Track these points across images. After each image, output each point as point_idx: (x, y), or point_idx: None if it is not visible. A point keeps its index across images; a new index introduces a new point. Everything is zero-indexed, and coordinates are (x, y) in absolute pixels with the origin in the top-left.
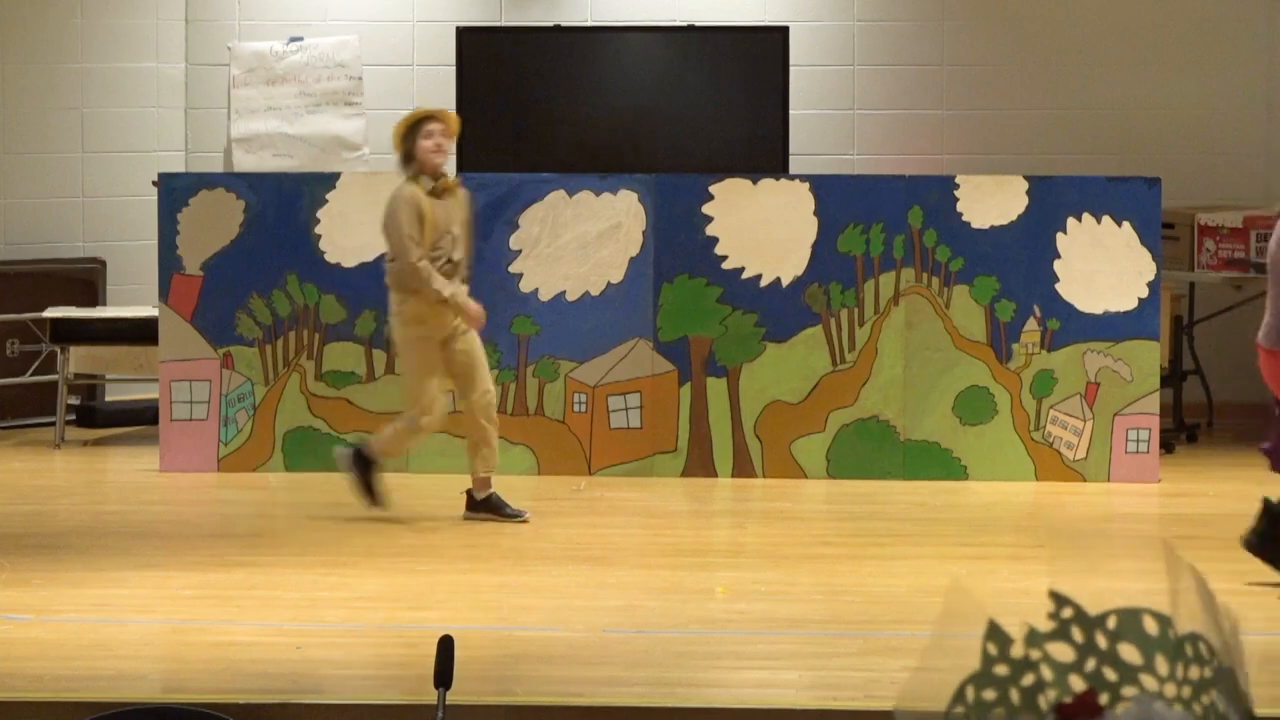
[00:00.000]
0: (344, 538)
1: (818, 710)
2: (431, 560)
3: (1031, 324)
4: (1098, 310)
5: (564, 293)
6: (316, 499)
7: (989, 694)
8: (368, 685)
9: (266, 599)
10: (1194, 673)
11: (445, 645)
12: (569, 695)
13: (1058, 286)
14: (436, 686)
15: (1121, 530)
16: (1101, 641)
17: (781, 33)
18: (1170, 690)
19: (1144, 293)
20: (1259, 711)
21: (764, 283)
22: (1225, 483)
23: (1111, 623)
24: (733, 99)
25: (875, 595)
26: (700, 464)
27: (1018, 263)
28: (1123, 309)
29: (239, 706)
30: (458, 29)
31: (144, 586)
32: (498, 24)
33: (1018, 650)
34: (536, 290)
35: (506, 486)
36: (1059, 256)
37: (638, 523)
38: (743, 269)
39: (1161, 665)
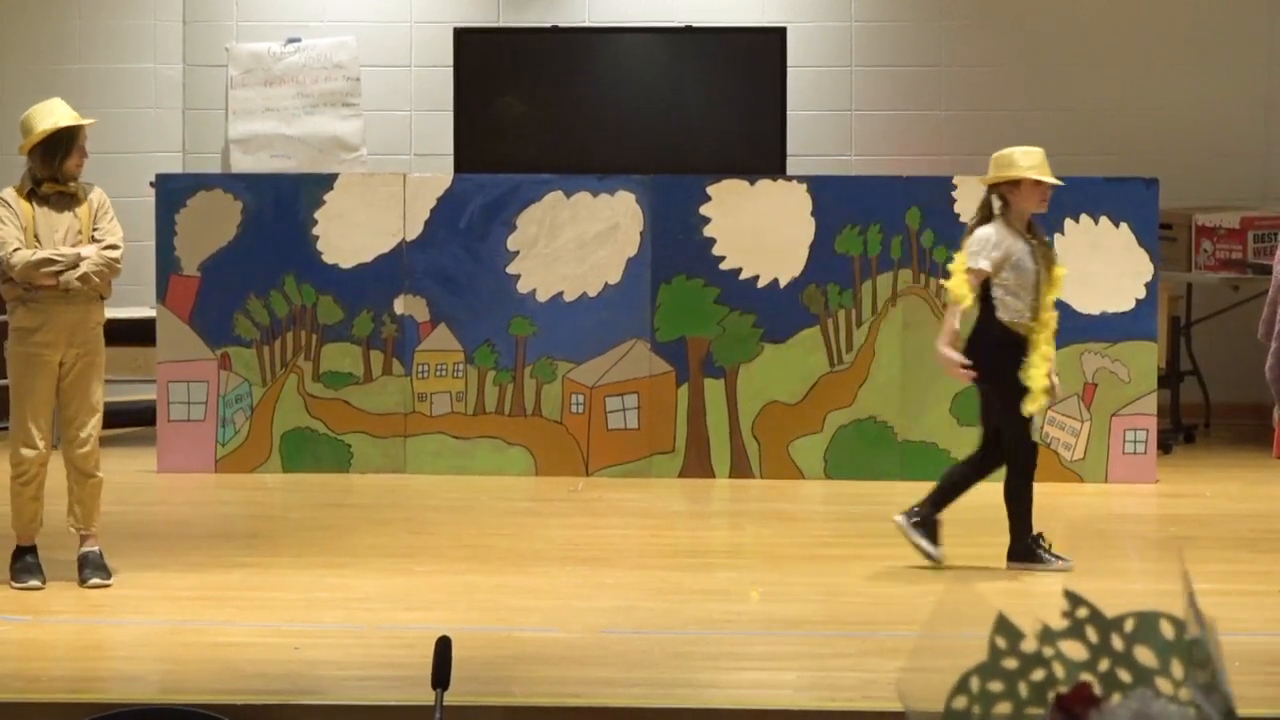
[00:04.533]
0: (342, 538)
1: (815, 711)
2: (429, 561)
3: None
4: (1095, 311)
5: (562, 293)
6: (314, 500)
7: (995, 686)
8: (365, 686)
9: (264, 600)
10: (1200, 677)
11: (443, 646)
12: (567, 696)
13: None
14: (434, 687)
15: (1125, 531)
16: (1117, 643)
17: (779, 34)
18: (1184, 694)
19: (1141, 293)
20: (1263, 712)
21: (762, 283)
22: (1222, 483)
23: (1128, 625)
24: (730, 100)
25: (873, 596)
26: (698, 465)
27: None
28: (1120, 310)
29: (237, 707)
30: (455, 30)
31: (141, 587)
32: (495, 25)
33: (1029, 645)
34: (534, 291)
35: (504, 487)
36: None
37: (635, 523)
38: (740, 270)
39: (1176, 669)
